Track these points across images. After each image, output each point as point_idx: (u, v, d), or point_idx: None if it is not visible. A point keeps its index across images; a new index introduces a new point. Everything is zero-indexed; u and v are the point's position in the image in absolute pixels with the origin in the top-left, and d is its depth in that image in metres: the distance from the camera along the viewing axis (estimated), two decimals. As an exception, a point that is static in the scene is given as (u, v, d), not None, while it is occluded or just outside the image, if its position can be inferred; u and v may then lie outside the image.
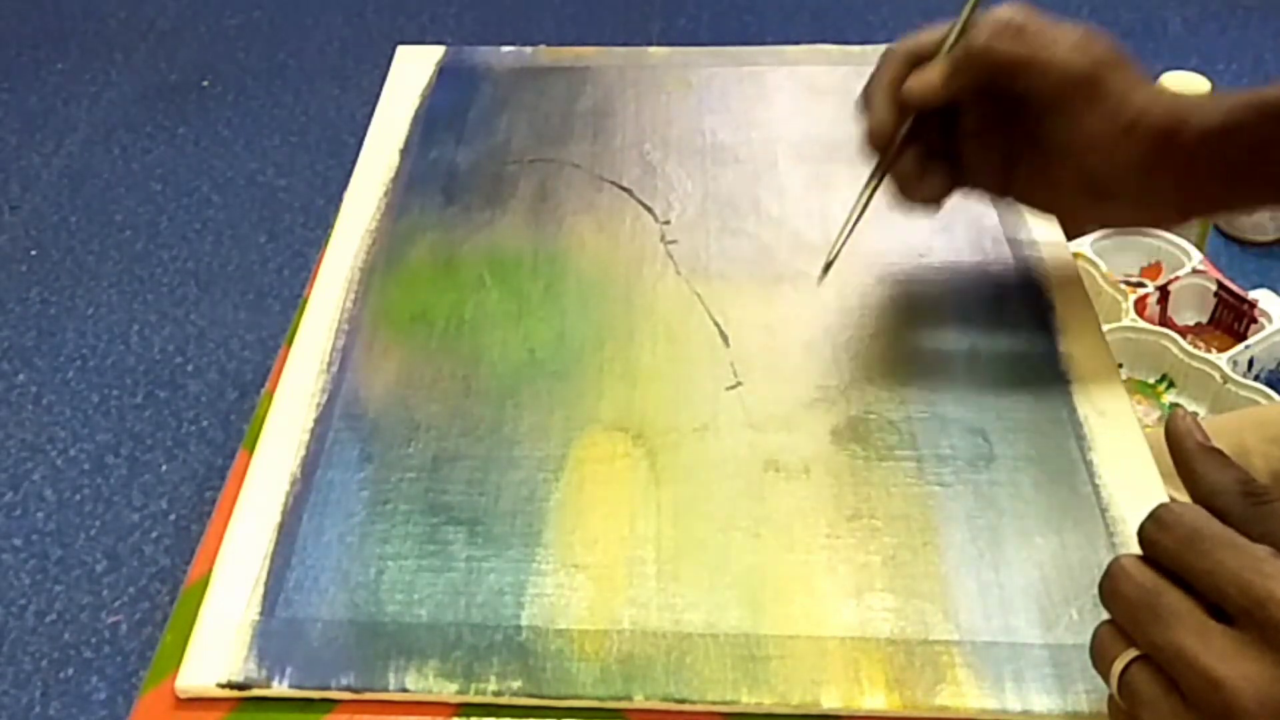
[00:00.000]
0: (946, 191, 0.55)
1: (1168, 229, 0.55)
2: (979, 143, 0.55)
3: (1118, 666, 0.37)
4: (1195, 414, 0.42)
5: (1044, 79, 0.51)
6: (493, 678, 0.43)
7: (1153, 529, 0.37)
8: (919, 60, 0.54)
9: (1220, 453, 0.40)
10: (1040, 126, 0.53)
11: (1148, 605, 0.36)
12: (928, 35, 0.54)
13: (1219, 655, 0.34)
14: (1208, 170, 0.52)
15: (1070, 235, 0.60)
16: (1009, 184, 0.55)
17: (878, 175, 0.55)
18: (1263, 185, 0.54)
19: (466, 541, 0.47)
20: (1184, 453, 0.41)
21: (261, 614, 0.45)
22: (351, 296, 0.59)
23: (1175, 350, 1.31)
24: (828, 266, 0.55)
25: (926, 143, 0.54)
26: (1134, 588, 0.36)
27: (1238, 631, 0.34)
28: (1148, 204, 0.54)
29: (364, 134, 0.70)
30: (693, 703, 0.42)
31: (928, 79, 0.53)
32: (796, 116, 0.71)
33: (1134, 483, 0.49)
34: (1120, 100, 0.51)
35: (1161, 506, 0.37)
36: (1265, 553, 0.34)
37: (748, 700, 0.42)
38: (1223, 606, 0.35)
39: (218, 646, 0.44)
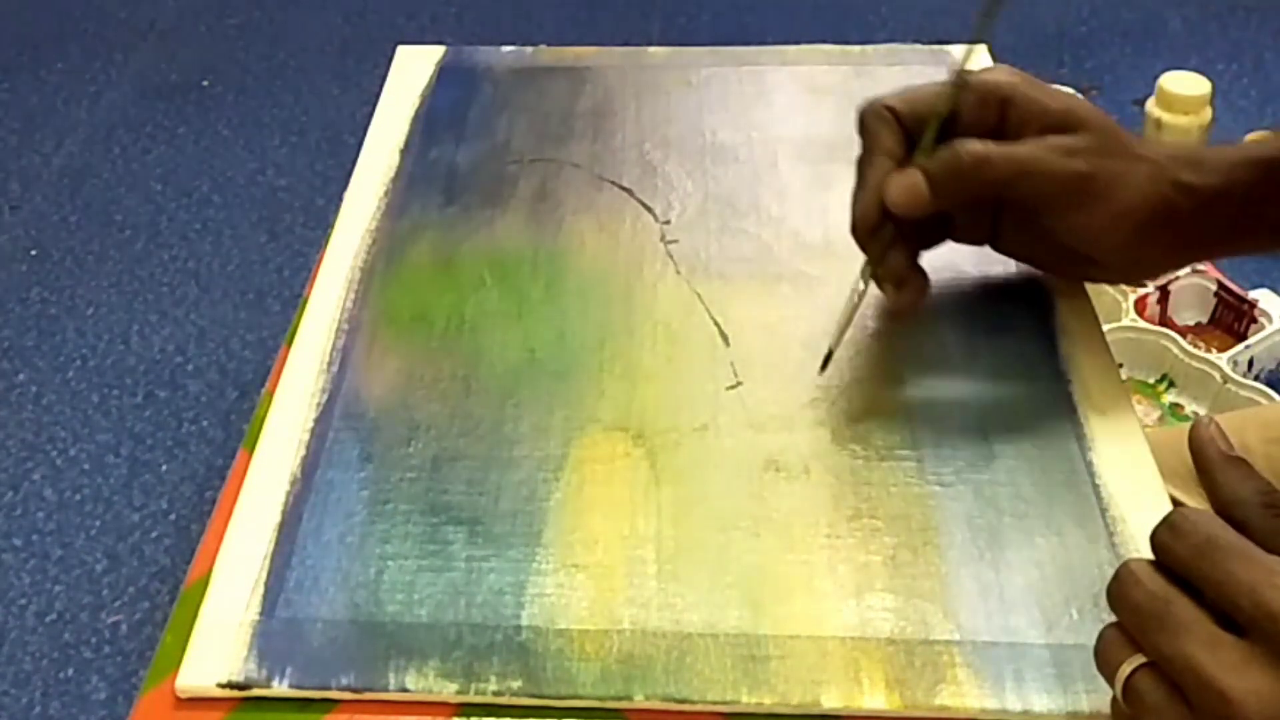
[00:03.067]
0: (920, 301, 0.53)
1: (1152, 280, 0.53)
2: (967, 214, 0.55)
3: (1123, 672, 0.37)
4: (1213, 420, 0.42)
5: (1033, 188, 0.50)
6: (493, 678, 0.43)
7: (1166, 535, 0.37)
8: (901, 122, 0.52)
9: (1243, 462, 0.40)
10: (1029, 218, 0.52)
11: (1156, 613, 0.36)
12: (908, 92, 0.52)
13: (1227, 667, 0.34)
14: (1201, 232, 0.52)
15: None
16: (994, 242, 0.56)
17: (866, 276, 0.53)
18: (1255, 238, 0.54)
19: (466, 541, 0.47)
20: (1206, 460, 0.40)
21: (261, 614, 0.45)
22: (351, 296, 0.59)
23: (1175, 350, 1.31)
24: (828, 358, 0.53)
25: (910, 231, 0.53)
26: (1144, 594, 0.36)
27: (1248, 644, 0.34)
28: (1137, 270, 0.55)
29: (364, 134, 0.70)
30: (693, 703, 0.42)
31: (915, 192, 0.50)
32: (796, 116, 0.71)
33: (1134, 483, 0.49)
34: (1110, 191, 0.50)
35: (1176, 512, 0.37)
36: None
37: (748, 700, 0.42)
38: (1234, 618, 0.35)
39: (218, 646, 0.44)
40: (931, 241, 0.55)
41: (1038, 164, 0.50)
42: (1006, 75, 0.52)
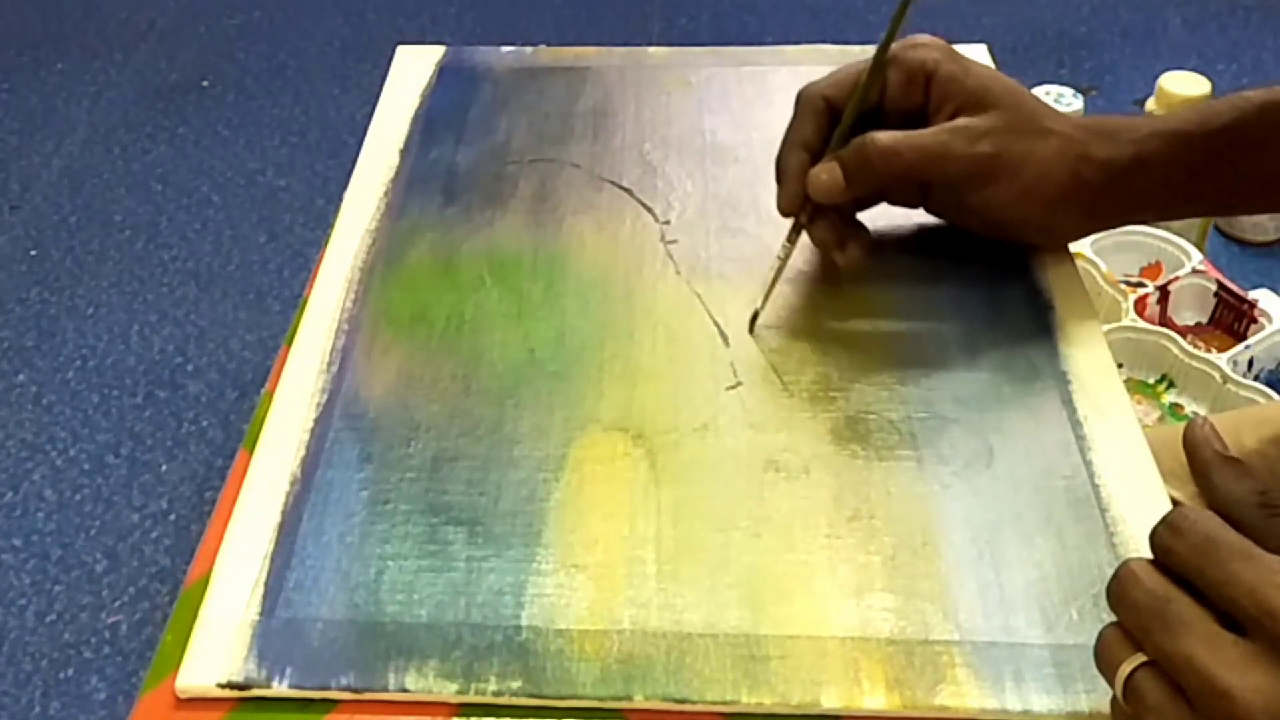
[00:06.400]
0: (866, 255, 0.57)
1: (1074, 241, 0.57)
2: (896, 184, 0.58)
3: (1124, 672, 0.37)
4: (1207, 420, 0.42)
5: (941, 172, 0.55)
6: (493, 678, 0.43)
7: (1166, 534, 0.37)
8: (833, 109, 0.56)
9: (1238, 462, 0.40)
10: (946, 194, 0.57)
11: (1158, 612, 0.36)
12: (843, 74, 0.56)
13: (1229, 666, 0.34)
14: (1115, 201, 0.56)
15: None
16: (925, 206, 0.59)
17: (792, 240, 0.57)
18: (1173, 207, 0.58)
19: (466, 541, 0.47)
20: (1201, 461, 0.40)
21: (261, 614, 0.45)
22: (351, 296, 0.59)
23: (1175, 350, 1.31)
24: (754, 319, 0.56)
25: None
26: (1144, 593, 0.36)
27: (1249, 642, 0.34)
28: (1055, 235, 0.59)
29: (364, 134, 0.70)
30: (693, 703, 0.42)
31: (834, 182, 0.54)
32: (796, 116, 0.70)
33: (1134, 483, 0.49)
34: (1016, 169, 0.54)
35: (1176, 512, 0.37)
36: None
37: (748, 700, 0.42)
38: (1235, 617, 0.35)
39: (218, 646, 0.44)
40: (865, 204, 0.59)
41: (943, 150, 0.54)
42: (931, 52, 0.55)
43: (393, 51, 0.77)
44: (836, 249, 0.56)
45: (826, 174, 0.54)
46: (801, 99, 0.56)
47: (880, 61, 0.55)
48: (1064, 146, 0.54)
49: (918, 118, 0.56)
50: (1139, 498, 0.48)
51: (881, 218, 0.62)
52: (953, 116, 0.54)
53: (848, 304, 0.58)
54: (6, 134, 1.92)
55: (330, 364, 0.55)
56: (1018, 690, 0.42)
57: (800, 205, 0.56)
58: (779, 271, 0.56)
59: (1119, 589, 0.37)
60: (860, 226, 0.58)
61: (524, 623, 0.44)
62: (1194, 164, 0.55)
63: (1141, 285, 1.40)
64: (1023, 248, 0.60)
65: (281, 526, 0.48)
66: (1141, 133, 0.55)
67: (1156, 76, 1.54)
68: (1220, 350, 1.32)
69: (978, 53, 0.74)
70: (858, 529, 0.47)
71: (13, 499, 1.36)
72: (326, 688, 0.43)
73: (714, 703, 0.42)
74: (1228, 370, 1.27)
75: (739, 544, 0.47)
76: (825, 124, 0.56)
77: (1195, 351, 1.30)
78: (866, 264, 0.57)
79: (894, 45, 0.55)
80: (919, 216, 0.61)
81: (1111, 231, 1.42)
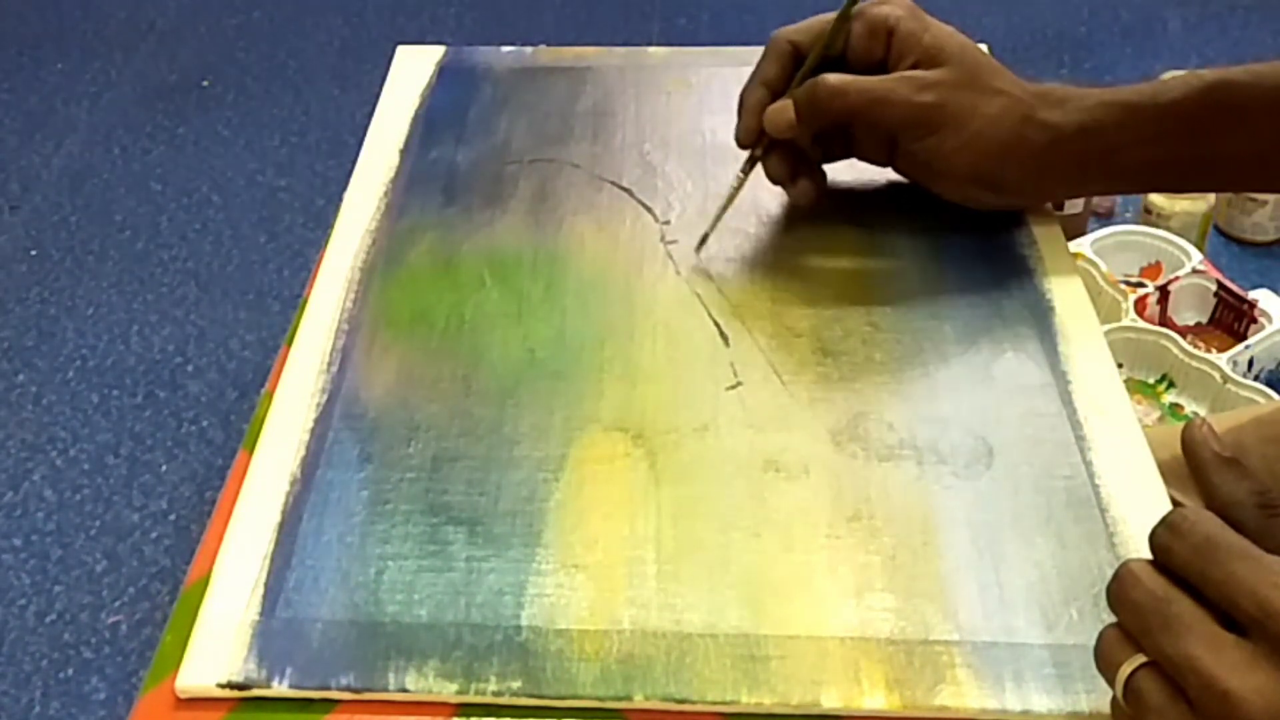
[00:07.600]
0: (816, 193, 0.61)
1: (1035, 209, 0.57)
2: (859, 130, 0.60)
3: (1124, 672, 0.37)
4: (1205, 420, 0.42)
5: (884, 116, 0.57)
6: (493, 678, 0.43)
7: (1166, 535, 0.37)
8: (799, 54, 0.59)
9: (1237, 463, 0.40)
10: (896, 140, 0.58)
11: (1158, 613, 0.36)
12: (812, 23, 0.59)
13: (1230, 667, 0.34)
14: (1060, 166, 0.57)
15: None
16: (890, 161, 0.60)
17: (744, 172, 0.61)
18: (1119, 179, 0.60)
19: (466, 541, 0.47)
20: (1200, 462, 0.40)
21: (261, 614, 0.45)
22: (351, 296, 0.59)
23: (1175, 350, 1.31)
24: (703, 241, 0.60)
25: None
26: (1144, 594, 0.36)
27: (1249, 643, 0.34)
28: (1002, 194, 0.60)
29: (364, 134, 0.70)
30: (693, 703, 0.42)
31: (785, 118, 0.58)
32: (796, 116, 0.70)
33: (1134, 483, 0.49)
34: (959, 121, 0.56)
35: (1175, 512, 0.37)
36: None
37: (748, 700, 0.42)
38: (1235, 617, 0.35)
39: (218, 646, 0.44)
40: (835, 157, 0.62)
41: (888, 95, 0.57)
42: (894, 9, 0.58)
43: (393, 51, 0.77)
44: (789, 183, 0.60)
45: (780, 110, 0.58)
46: (771, 42, 0.60)
47: (846, 13, 0.57)
48: (1010, 106, 0.56)
49: (879, 70, 0.58)
50: (1139, 498, 0.48)
51: (885, 219, 0.62)
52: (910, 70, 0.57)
53: (849, 305, 0.58)
54: (6, 134, 1.92)
55: (330, 364, 0.55)
56: (1018, 690, 0.42)
57: (756, 139, 0.60)
58: (729, 200, 0.60)
59: (1119, 589, 0.37)
60: (814, 165, 0.61)
61: (524, 623, 0.44)
62: (1142, 136, 0.56)
63: (1141, 285, 1.40)
64: (1021, 249, 0.60)
65: (281, 526, 0.48)
66: (1090, 101, 0.56)
67: (1156, 77, 1.54)
68: (1220, 350, 1.32)
69: None
70: (858, 529, 0.47)
71: (13, 499, 1.36)
72: (326, 688, 0.43)
73: (714, 703, 0.42)
74: (1228, 370, 1.27)
75: (739, 544, 0.47)
76: (789, 66, 0.59)
77: (1195, 351, 1.30)
78: (817, 201, 0.60)
79: (850, 13, 0.58)
80: (919, 217, 0.61)
81: (1112, 231, 1.42)
